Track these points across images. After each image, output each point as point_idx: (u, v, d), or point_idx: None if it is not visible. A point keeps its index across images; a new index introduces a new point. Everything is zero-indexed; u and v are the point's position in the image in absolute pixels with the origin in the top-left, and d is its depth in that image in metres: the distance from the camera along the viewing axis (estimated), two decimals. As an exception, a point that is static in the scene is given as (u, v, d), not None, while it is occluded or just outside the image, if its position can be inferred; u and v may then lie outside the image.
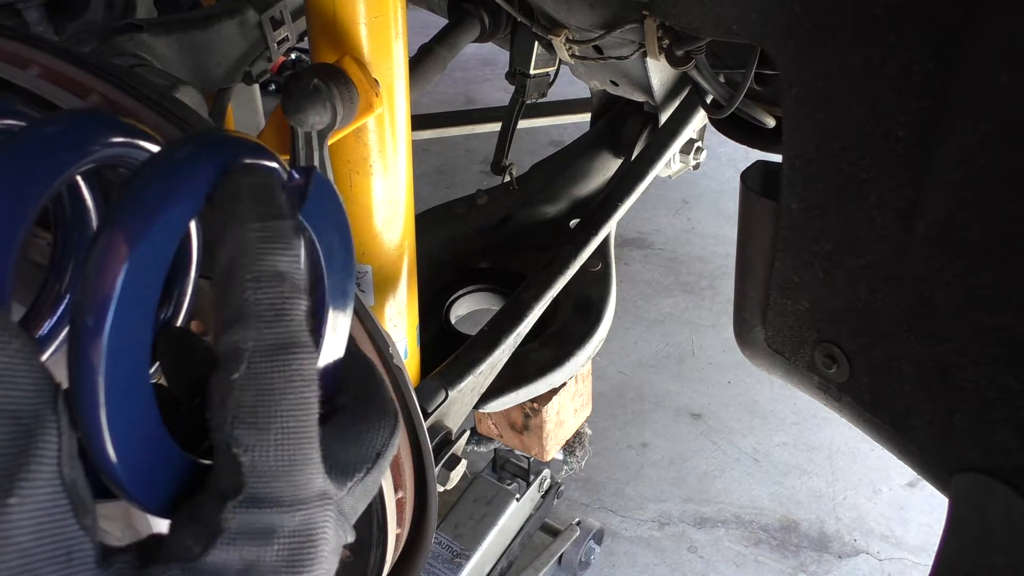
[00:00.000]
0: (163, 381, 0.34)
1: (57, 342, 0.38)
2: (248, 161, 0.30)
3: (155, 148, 0.32)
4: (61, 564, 0.24)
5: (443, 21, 1.31)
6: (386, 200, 0.94)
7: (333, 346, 0.35)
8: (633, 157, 1.43)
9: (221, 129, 0.32)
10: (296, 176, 0.33)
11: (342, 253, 0.35)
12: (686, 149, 1.51)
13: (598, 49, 1.08)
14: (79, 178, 0.35)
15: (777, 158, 0.60)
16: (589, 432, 1.57)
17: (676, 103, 1.36)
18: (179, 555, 0.26)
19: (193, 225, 0.38)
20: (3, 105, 0.37)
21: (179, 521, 0.28)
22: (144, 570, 0.26)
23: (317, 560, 0.28)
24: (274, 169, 0.31)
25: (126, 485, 0.27)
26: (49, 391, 0.25)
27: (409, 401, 0.58)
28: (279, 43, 1.24)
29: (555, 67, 1.38)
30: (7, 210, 0.26)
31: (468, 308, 1.45)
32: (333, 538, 0.29)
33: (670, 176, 1.57)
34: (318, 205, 0.33)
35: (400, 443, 0.46)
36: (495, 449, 1.69)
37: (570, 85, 1.75)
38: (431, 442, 1.03)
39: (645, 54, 0.91)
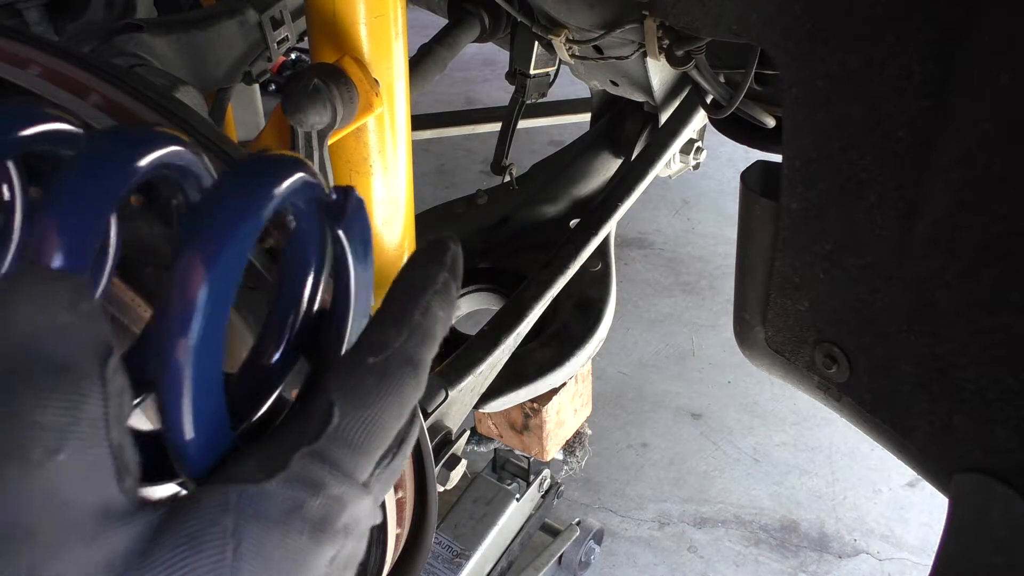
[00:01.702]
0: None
1: None
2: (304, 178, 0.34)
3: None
4: (98, 518, 0.26)
5: (443, 21, 1.32)
6: (386, 200, 0.94)
7: None
8: (633, 157, 1.43)
9: (273, 152, 0.34)
10: (336, 195, 0.36)
11: (369, 267, 0.39)
12: (686, 149, 1.51)
13: (598, 49, 1.08)
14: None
15: (777, 158, 0.60)
16: (589, 432, 1.57)
17: (676, 103, 1.36)
18: (240, 478, 0.29)
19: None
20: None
21: (248, 451, 0.31)
22: (203, 487, 0.29)
23: (347, 528, 0.31)
24: (321, 190, 0.35)
25: (195, 466, 0.31)
26: (104, 353, 0.27)
27: (409, 401, 0.58)
28: (279, 43, 1.24)
29: (555, 67, 1.38)
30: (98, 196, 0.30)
31: (468, 308, 1.46)
32: (364, 518, 0.33)
33: (670, 176, 1.57)
34: (353, 222, 0.37)
35: None
36: (495, 449, 1.69)
37: (570, 85, 1.76)
38: (431, 442, 1.03)
39: (645, 54, 0.91)
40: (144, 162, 0.31)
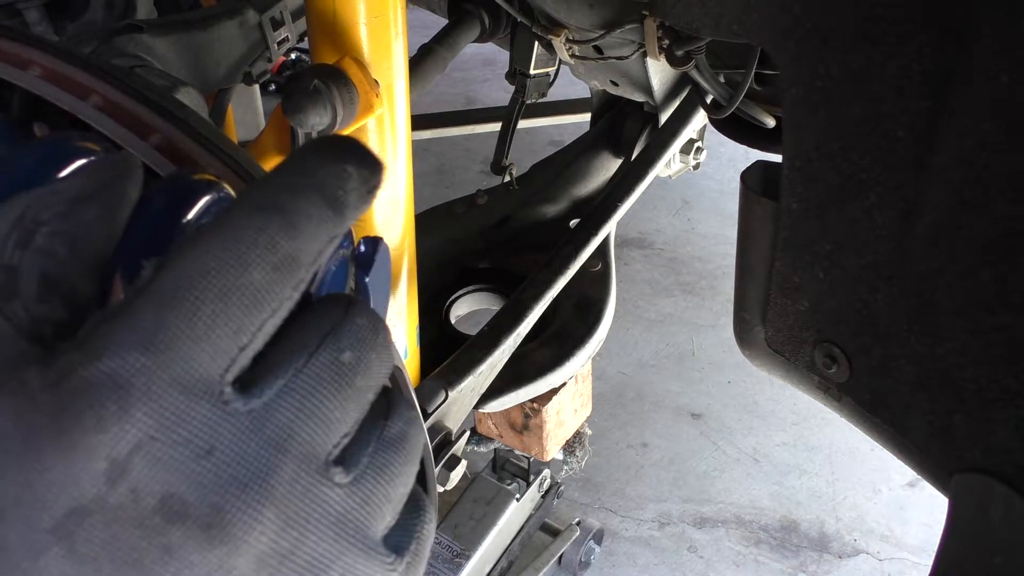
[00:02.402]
0: None
1: None
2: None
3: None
4: None
5: (443, 21, 1.32)
6: (386, 200, 0.94)
7: None
8: (633, 157, 1.43)
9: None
10: (363, 248, 0.37)
11: (386, 310, 0.40)
12: (686, 149, 1.51)
13: (598, 49, 1.08)
14: None
15: (777, 158, 0.60)
16: (589, 432, 1.57)
17: (676, 103, 1.36)
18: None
19: None
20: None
21: None
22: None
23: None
24: (352, 243, 0.36)
25: None
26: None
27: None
28: (279, 43, 1.24)
29: (555, 67, 1.38)
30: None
31: (468, 308, 1.46)
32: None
33: (670, 176, 1.57)
34: (378, 271, 0.37)
35: None
36: (495, 449, 1.69)
37: (570, 85, 1.76)
38: (431, 442, 1.03)
39: (645, 54, 0.91)
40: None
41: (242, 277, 0.25)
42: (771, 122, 0.86)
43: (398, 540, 0.29)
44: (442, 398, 1.02)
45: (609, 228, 1.27)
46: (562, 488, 1.89)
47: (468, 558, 1.61)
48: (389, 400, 0.30)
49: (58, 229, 0.27)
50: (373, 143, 0.90)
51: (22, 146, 0.35)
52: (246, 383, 0.25)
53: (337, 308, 0.28)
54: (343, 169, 0.28)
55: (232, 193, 0.39)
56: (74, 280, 0.28)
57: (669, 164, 1.48)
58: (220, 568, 0.24)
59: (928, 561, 1.36)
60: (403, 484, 0.29)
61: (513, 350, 1.15)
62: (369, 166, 0.29)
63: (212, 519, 0.24)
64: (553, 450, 1.42)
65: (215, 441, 0.24)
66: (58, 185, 0.28)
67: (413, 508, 0.30)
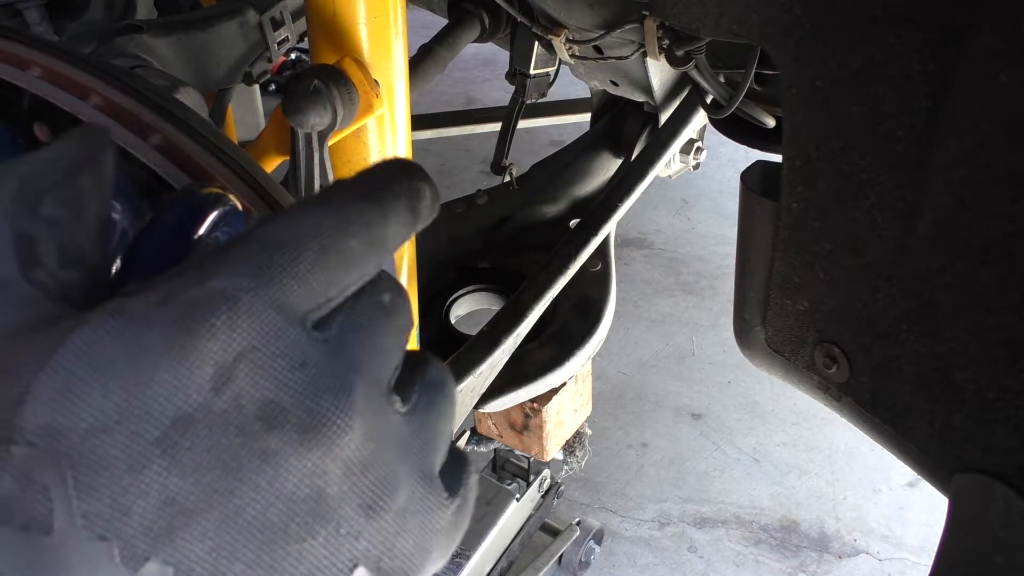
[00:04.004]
0: None
1: None
2: None
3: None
4: None
5: (443, 21, 1.32)
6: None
7: None
8: (633, 157, 1.43)
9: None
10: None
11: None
12: (686, 149, 1.51)
13: (598, 49, 1.08)
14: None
15: (777, 158, 0.60)
16: (589, 432, 1.57)
17: (676, 103, 1.36)
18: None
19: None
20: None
21: None
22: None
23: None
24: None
25: None
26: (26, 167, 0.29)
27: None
28: (279, 44, 1.24)
29: (555, 67, 1.38)
30: None
31: (468, 308, 1.45)
32: None
33: (670, 176, 1.57)
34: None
35: None
36: (495, 449, 1.69)
37: (570, 85, 1.76)
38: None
39: (645, 54, 0.91)
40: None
41: (341, 242, 0.28)
42: (771, 122, 0.86)
43: (449, 481, 0.30)
44: (442, 398, 1.02)
45: (609, 228, 1.27)
46: (562, 488, 1.89)
47: (468, 558, 1.61)
48: (417, 352, 0.33)
49: (61, 198, 0.29)
50: (373, 143, 0.90)
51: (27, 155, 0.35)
52: (318, 325, 0.28)
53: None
54: (422, 187, 0.32)
55: (239, 205, 0.40)
56: (86, 246, 0.29)
57: (669, 164, 1.48)
58: (314, 473, 0.26)
59: (928, 561, 1.36)
60: (447, 424, 0.31)
61: (513, 350, 1.15)
62: (435, 192, 0.34)
63: (309, 422, 0.26)
64: (553, 450, 1.42)
65: (306, 356, 0.27)
66: (47, 153, 0.30)
67: (457, 459, 0.32)
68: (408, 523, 0.28)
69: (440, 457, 0.30)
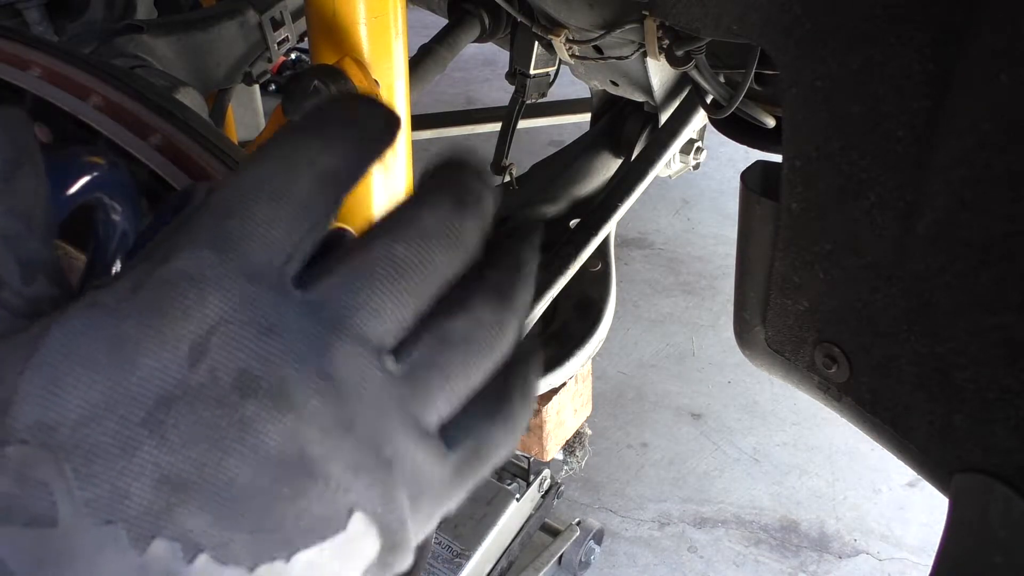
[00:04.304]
0: None
1: None
2: None
3: None
4: None
5: (443, 21, 1.32)
6: (386, 200, 0.94)
7: None
8: (633, 157, 1.43)
9: None
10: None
11: None
12: (686, 149, 1.51)
13: (598, 49, 1.08)
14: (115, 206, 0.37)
15: (777, 158, 0.60)
16: (589, 432, 1.57)
17: (676, 103, 1.36)
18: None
19: None
20: None
21: None
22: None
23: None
24: None
25: None
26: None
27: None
28: (279, 44, 1.24)
29: (555, 67, 1.38)
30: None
31: (468, 308, 1.45)
32: None
33: (670, 176, 1.57)
34: None
35: None
36: (495, 449, 1.69)
37: (570, 85, 1.76)
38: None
39: (645, 54, 0.91)
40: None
41: (289, 188, 0.28)
42: (771, 122, 0.86)
43: (454, 434, 0.30)
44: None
45: (609, 228, 1.27)
46: (562, 488, 1.89)
47: (468, 558, 1.60)
48: (464, 299, 0.31)
49: (7, 207, 0.29)
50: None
51: None
52: (305, 282, 0.28)
53: (398, 211, 0.30)
54: (371, 109, 0.31)
55: None
56: (43, 254, 0.30)
57: (669, 164, 1.48)
58: (292, 438, 0.26)
59: (928, 561, 1.36)
60: (460, 381, 0.30)
61: (513, 350, 1.15)
62: (388, 114, 0.32)
63: (278, 390, 0.26)
64: (553, 450, 1.42)
65: (277, 320, 0.27)
66: None
67: (484, 413, 0.31)
68: (399, 477, 0.28)
69: (438, 412, 0.30)
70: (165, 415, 0.25)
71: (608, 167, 1.56)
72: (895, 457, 0.57)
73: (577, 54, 1.11)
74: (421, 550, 0.31)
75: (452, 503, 0.31)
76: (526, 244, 0.34)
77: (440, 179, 0.31)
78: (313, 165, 0.29)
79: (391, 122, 0.31)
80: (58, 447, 0.24)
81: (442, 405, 0.30)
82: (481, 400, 0.31)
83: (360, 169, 0.30)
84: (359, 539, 0.27)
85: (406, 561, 0.30)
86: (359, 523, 0.27)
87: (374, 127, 0.31)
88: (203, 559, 0.25)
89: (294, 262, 0.28)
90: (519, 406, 0.33)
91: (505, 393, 0.32)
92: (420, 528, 0.30)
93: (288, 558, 0.26)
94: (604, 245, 1.33)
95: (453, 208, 0.30)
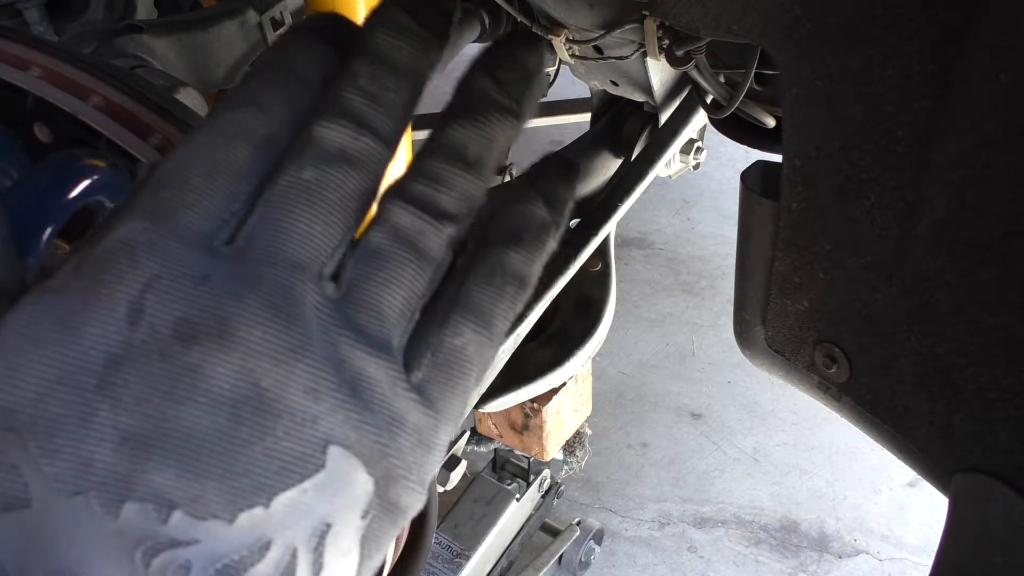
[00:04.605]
0: None
1: None
2: None
3: None
4: None
5: (443, 21, 1.31)
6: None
7: None
8: (633, 157, 1.43)
9: None
10: None
11: None
12: (686, 149, 1.51)
13: (598, 49, 1.08)
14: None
15: (777, 158, 0.60)
16: (589, 432, 1.57)
17: (676, 103, 1.36)
18: None
19: None
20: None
21: None
22: None
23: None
24: None
25: None
26: None
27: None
28: (279, 43, 1.24)
29: (555, 67, 1.38)
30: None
31: (468, 308, 1.45)
32: None
33: (670, 176, 1.57)
34: None
35: None
36: (495, 449, 1.69)
37: (570, 85, 1.76)
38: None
39: (645, 54, 0.91)
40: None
41: (226, 156, 0.28)
42: (771, 122, 0.86)
43: (412, 348, 0.29)
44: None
45: (609, 228, 1.27)
46: (562, 488, 1.89)
47: (468, 558, 1.61)
48: (385, 212, 0.31)
49: None
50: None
51: (37, 167, 0.36)
52: (232, 239, 0.28)
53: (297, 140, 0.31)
54: (300, 44, 0.31)
55: None
56: (4, 274, 0.32)
57: (669, 164, 1.48)
58: (242, 374, 0.26)
59: (928, 561, 1.36)
60: (397, 288, 0.29)
61: (513, 350, 1.15)
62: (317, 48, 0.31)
63: (219, 330, 0.26)
64: (553, 450, 1.42)
65: (210, 270, 0.27)
66: None
67: (438, 321, 0.30)
68: (365, 398, 0.28)
69: (388, 326, 0.29)
70: (114, 376, 0.25)
71: (608, 167, 1.56)
72: (895, 457, 0.57)
73: (577, 54, 1.11)
74: (428, 503, 0.31)
75: (439, 432, 0.30)
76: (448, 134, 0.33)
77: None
78: (250, 134, 0.29)
79: (320, 56, 0.31)
80: (21, 427, 0.24)
81: (392, 319, 0.29)
82: (432, 309, 0.30)
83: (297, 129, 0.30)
84: (345, 476, 0.27)
85: (413, 498, 0.29)
86: (339, 458, 0.27)
87: (307, 73, 0.31)
88: (178, 516, 0.24)
89: (228, 227, 0.28)
90: (482, 304, 0.31)
91: (459, 296, 0.31)
92: (412, 459, 0.29)
93: (267, 503, 0.25)
94: (604, 245, 1.33)
95: (355, 129, 0.30)
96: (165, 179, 0.28)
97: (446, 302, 0.30)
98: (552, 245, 0.33)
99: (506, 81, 0.34)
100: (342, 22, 0.32)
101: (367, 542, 0.28)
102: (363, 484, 0.27)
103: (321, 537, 0.26)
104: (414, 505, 0.29)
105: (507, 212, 0.33)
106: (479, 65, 0.34)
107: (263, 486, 0.25)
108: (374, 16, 0.32)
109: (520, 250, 0.32)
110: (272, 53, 0.31)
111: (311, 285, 0.28)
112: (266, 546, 0.25)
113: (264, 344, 0.26)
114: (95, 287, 0.26)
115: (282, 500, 0.26)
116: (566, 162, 0.35)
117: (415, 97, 0.33)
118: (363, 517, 0.27)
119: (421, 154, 0.33)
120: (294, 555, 0.26)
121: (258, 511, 0.25)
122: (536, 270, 0.33)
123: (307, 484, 0.26)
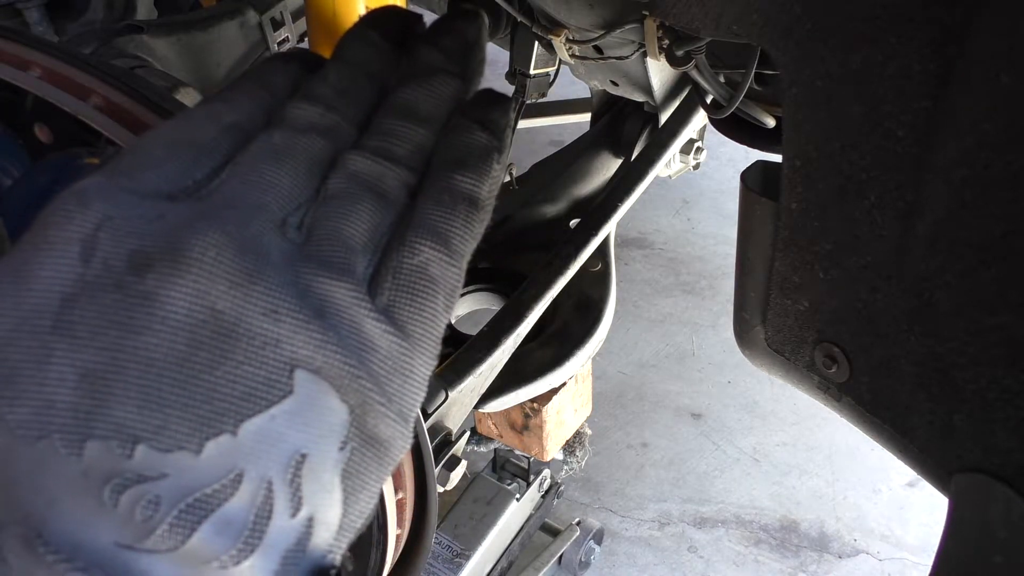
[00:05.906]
0: None
1: None
2: None
3: None
4: None
5: (443, 21, 1.31)
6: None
7: None
8: (633, 157, 1.43)
9: None
10: None
11: None
12: (686, 149, 1.51)
13: (598, 49, 1.08)
14: None
15: (777, 158, 0.60)
16: (589, 432, 1.57)
17: (676, 103, 1.36)
18: None
19: None
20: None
21: None
22: None
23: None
24: None
25: None
26: None
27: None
28: (279, 44, 1.25)
29: (555, 67, 1.38)
30: None
31: (468, 308, 1.45)
32: None
33: (670, 176, 1.57)
34: None
35: None
36: (495, 449, 1.69)
37: (570, 85, 1.75)
38: (431, 443, 1.03)
39: (645, 54, 0.91)
40: None
41: (190, 135, 0.30)
42: (771, 122, 0.86)
43: (375, 276, 0.30)
44: (442, 398, 1.02)
45: (609, 228, 1.27)
46: (562, 488, 1.89)
47: (468, 558, 1.60)
48: (343, 158, 0.32)
49: None
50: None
51: (36, 166, 0.36)
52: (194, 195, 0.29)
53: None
54: (273, 66, 0.34)
55: None
56: None
57: (669, 164, 1.48)
58: (197, 296, 0.25)
59: (928, 561, 1.36)
60: (357, 221, 0.30)
61: (513, 350, 1.15)
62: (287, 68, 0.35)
63: (174, 254, 0.26)
64: (553, 450, 1.42)
65: (166, 211, 0.27)
66: None
67: (395, 247, 0.31)
68: (331, 321, 0.27)
69: (356, 256, 0.29)
70: (70, 314, 0.25)
71: (608, 167, 1.56)
72: (895, 457, 0.57)
73: (577, 54, 1.11)
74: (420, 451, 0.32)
75: (414, 359, 0.29)
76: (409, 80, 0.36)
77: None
78: (216, 117, 0.31)
79: (288, 71, 0.34)
80: None
81: (354, 249, 0.29)
82: (391, 239, 0.31)
83: (265, 118, 0.32)
84: (315, 402, 0.26)
85: (394, 431, 0.28)
86: (306, 382, 0.26)
87: (276, 81, 0.33)
88: (142, 449, 0.24)
89: (188, 190, 0.29)
90: (436, 223, 0.31)
91: (413, 220, 0.31)
92: (390, 388, 0.28)
93: (234, 430, 0.24)
94: (604, 245, 1.33)
95: (325, 108, 0.32)
96: (131, 147, 0.29)
97: (402, 228, 0.31)
98: (498, 170, 0.34)
99: (450, 49, 0.38)
100: (310, 54, 0.35)
101: (349, 477, 0.27)
102: (337, 412, 0.26)
103: (297, 468, 0.25)
104: (396, 440, 0.28)
105: (450, 142, 0.34)
106: (425, 38, 0.37)
107: (227, 412, 0.24)
108: (344, 35, 0.35)
109: (467, 173, 0.33)
110: (246, 71, 0.34)
111: (271, 225, 0.28)
112: (238, 478, 0.24)
113: (218, 266, 0.26)
114: (44, 231, 0.26)
115: (249, 427, 0.25)
116: (493, 91, 0.39)
117: (380, 95, 0.35)
118: (341, 449, 0.26)
119: (375, 115, 0.34)
120: (269, 488, 0.25)
121: (225, 439, 0.24)
122: (486, 192, 0.33)
123: (275, 411, 0.25)
